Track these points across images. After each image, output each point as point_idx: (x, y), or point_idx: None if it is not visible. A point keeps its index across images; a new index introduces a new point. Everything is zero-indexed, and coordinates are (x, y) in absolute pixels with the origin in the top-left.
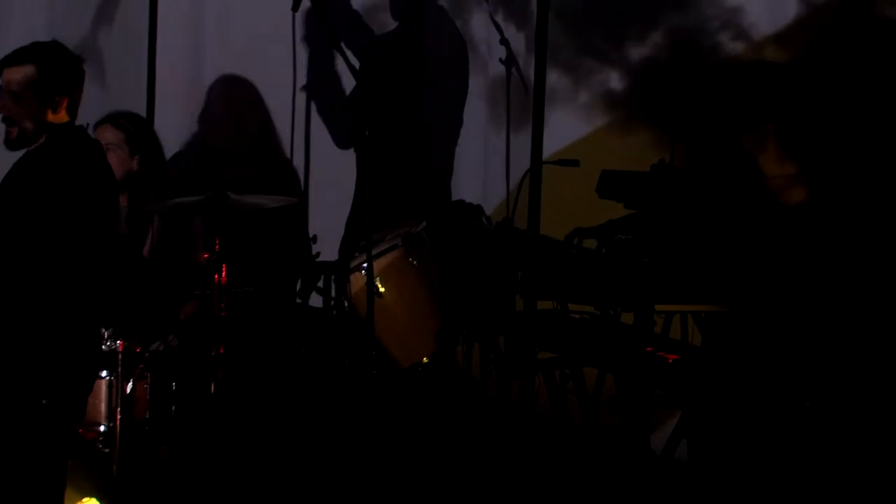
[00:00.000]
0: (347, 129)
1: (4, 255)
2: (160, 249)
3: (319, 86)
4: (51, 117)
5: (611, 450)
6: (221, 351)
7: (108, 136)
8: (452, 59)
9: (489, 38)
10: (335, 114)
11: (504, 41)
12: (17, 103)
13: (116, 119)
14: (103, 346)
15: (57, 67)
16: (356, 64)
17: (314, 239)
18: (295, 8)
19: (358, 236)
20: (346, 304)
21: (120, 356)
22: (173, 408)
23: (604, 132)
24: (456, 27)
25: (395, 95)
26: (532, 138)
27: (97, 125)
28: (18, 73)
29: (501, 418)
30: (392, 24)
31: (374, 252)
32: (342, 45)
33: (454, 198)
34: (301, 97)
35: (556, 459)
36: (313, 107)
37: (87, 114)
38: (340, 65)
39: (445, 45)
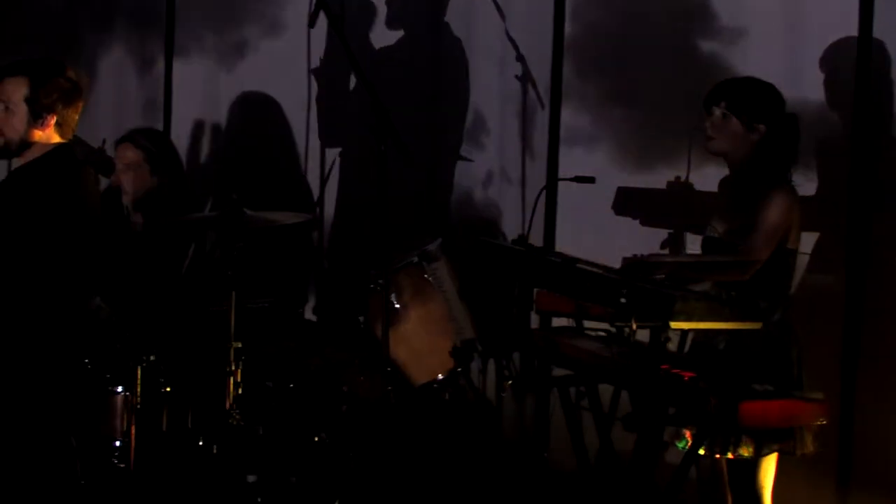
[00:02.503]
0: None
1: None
2: (195, 266)
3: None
4: (37, 134)
5: (625, 467)
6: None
7: (129, 154)
8: (459, 75)
9: (504, 55)
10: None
11: (520, 57)
12: (5, 114)
13: (135, 138)
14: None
15: (50, 85)
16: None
17: (328, 254)
18: (311, 24)
19: (369, 251)
20: (360, 319)
21: (139, 371)
22: (189, 423)
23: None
24: (460, 43)
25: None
26: (548, 155)
27: (118, 143)
28: (10, 85)
29: (515, 435)
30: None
31: (389, 268)
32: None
33: (470, 214)
34: (316, 112)
35: (571, 476)
36: (328, 121)
37: (107, 127)
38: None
39: (453, 61)
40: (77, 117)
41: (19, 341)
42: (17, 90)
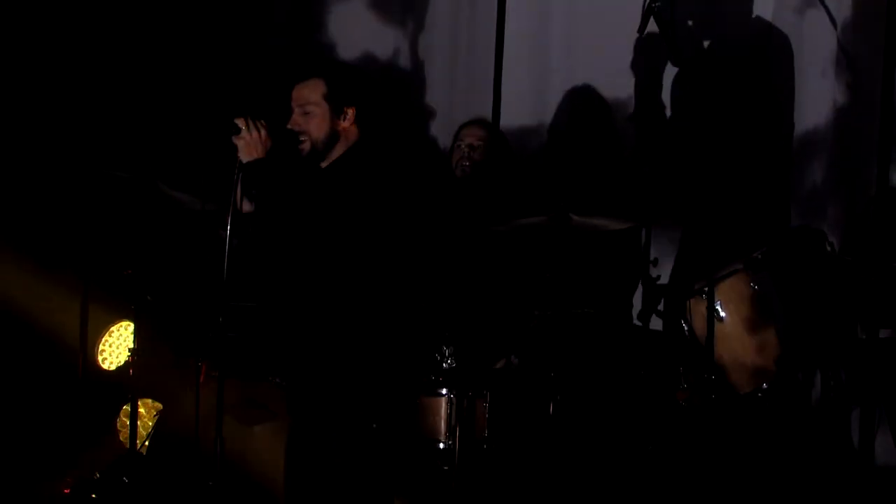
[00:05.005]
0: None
1: (321, 273)
2: (502, 267)
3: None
4: (341, 127)
5: None
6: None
7: (477, 132)
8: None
9: (835, 62)
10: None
11: (850, 65)
12: (307, 117)
13: (484, 122)
14: (444, 365)
15: (344, 78)
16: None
17: (655, 262)
18: (641, 31)
19: (693, 259)
20: (685, 327)
21: (461, 374)
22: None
23: None
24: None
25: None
26: (878, 163)
27: (464, 125)
28: (307, 88)
29: (840, 447)
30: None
31: (714, 276)
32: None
33: (798, 223)
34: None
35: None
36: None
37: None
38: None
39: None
40: (375, 111)
41: (353, 342)
42: (315, 91)
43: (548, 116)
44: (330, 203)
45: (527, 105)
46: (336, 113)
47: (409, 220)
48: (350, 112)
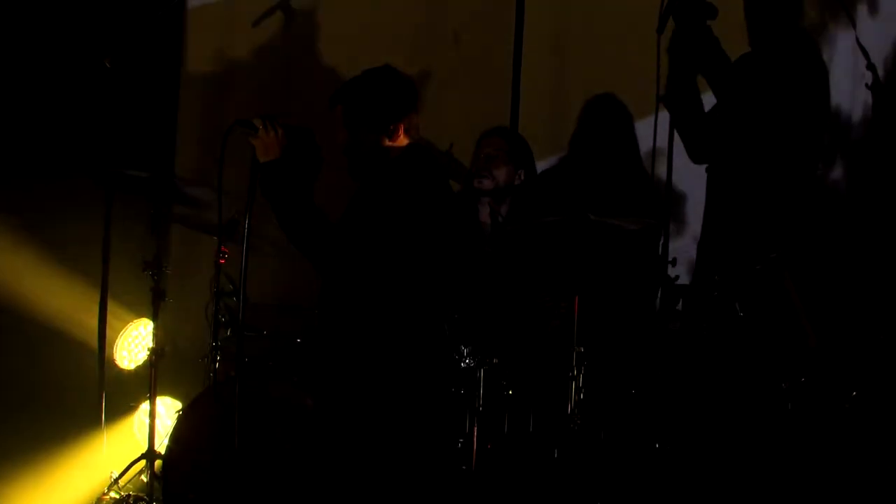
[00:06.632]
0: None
1: (355, 269)
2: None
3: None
4: (387, 143)
5: None
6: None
7: (495, 142)
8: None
9: (855, 63)
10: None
11: (871, 66)
12: (353, 138)
13: (504, 131)
14: (462, 364)
15: (385, 98)
16: None
17: (673, 262)
18: (660, 30)
19: (710, 261)
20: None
21: (481, 373)
22: (531, 426)
23: None
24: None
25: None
26: None
27: (484, 135)
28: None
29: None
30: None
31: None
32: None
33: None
34: (663, 116)
35: None
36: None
37: (453, 127)
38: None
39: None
40: (418, 118)
41: (379, 349)
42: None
43: (567, 118)
44: (369, 207)
45: (545, 107)
46: (381, 133)
47: (433, 224)
48: (398, 127)
